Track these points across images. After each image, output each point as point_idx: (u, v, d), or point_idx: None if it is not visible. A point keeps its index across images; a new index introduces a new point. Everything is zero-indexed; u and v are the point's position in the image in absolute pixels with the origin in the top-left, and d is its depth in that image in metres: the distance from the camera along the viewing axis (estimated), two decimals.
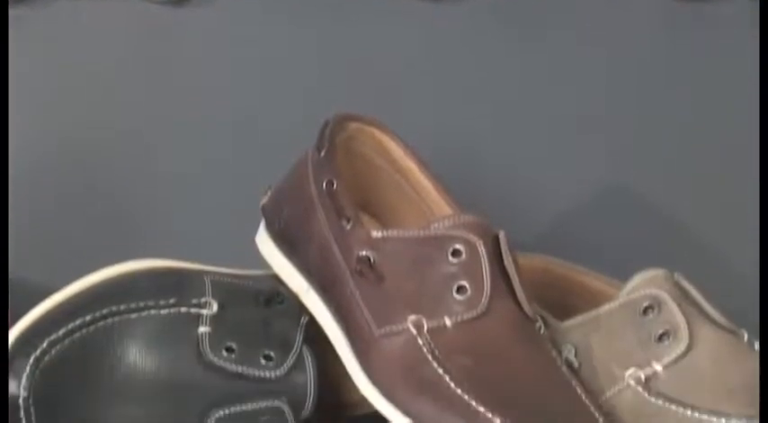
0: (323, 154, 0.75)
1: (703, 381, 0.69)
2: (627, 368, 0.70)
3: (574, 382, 0.68)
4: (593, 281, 0.83)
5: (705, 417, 0.67)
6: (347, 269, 0.70)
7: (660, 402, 0.69)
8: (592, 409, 0.66)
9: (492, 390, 0.64)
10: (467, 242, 0.69)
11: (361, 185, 0.79)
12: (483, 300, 0.68)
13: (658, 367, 0.70)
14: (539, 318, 0.72)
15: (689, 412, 0.68)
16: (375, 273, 0.69)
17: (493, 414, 0.62)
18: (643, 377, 0.70)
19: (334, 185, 0.73)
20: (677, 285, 0.74)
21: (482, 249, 0.69)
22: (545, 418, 0.63)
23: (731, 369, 0.70)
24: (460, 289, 0.68)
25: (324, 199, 0.73)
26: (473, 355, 0.66)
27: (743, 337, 0.73)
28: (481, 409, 0.63)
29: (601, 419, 0.65)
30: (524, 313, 0.70)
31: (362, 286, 0.70)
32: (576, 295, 0.82)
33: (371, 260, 0.70)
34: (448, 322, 0.68)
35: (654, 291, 0.73)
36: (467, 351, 0.67)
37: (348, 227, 0.71)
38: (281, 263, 0.76)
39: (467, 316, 0.68)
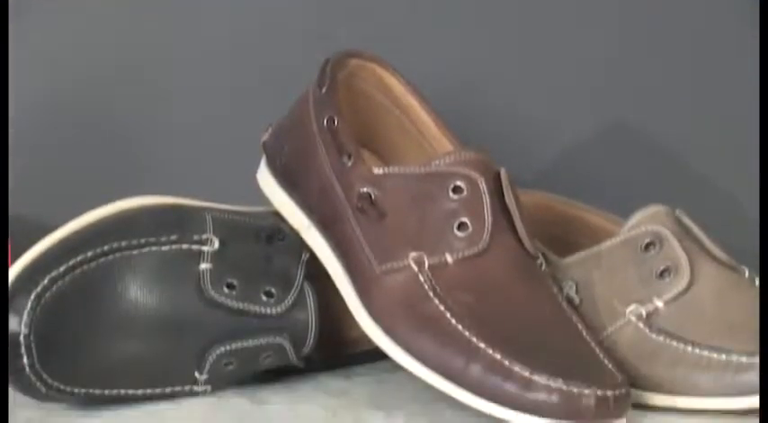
0: (324, 91, 0.74)
1: (704, 317, 0.69)
2: (628, 304, 0.70)
3: (575, 319, 0.68)
4: (595, 217, 0.82)
5: (706, 353, 0.67)
6: (348, 206, 0.70)
7: (661, 338, 0.68)
8: (593, 345, 0.66)
9: (493, 326, 0.64)
10: (468, 178, 0.68)
11: (362, 122, 0.78)
12: (484, 236, 0.68)
13: (659, 303, 0.69)
14: (540, 254, 0.71)
15: (689, 348, 0.67)
16: (376, 209, 0.69)
17: (494, 350, 0.62)
18: (644, 313, 0.69)
19: (335, 122, 0.72)
20: (678, 222, 0.74)
21: (483, 186, 0.68)
22: (546, 355, 0.63)
23: (732, 305, 0.70)
24: (461, 225, 0.68)
25: (325, 136, 0.72)
26: (474, 292, 0.66)
27: (744, 273, 0.73)
28: (482, 345, 0.63)
29: (601, 355, 0.65)
30: (525, 250, 0.69)
31: (363, 223, 0.69)
32: (578, 232, 0.81)
33: (372, 197, 0.69)
34: (449, 259, 0.67)
35: (655, 227, 0.72)
36: (468, 287, 0.66)
37: (349, 163, 0.70)
38: (281, 200, 0.75)
39: (468, 252, 0.67)
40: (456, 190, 0.68)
